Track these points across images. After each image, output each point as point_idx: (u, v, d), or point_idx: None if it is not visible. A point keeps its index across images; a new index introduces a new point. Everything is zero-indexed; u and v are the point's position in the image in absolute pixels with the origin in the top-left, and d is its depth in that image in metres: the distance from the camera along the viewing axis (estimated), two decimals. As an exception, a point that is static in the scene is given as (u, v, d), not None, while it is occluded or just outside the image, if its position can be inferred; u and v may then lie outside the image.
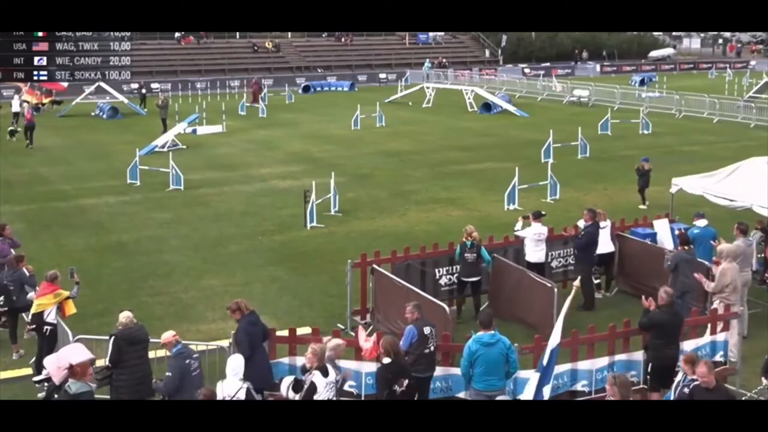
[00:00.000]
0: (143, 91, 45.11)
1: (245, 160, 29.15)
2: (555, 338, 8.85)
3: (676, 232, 14.42)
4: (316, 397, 8.99)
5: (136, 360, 10.06)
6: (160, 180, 24.40)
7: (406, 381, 9.27)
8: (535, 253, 14.45)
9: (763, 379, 9.97)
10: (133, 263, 17.25)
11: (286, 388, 9.32)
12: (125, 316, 10.43)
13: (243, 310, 10.40)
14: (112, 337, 10.18)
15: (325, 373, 9.17)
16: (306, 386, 9.09)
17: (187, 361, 9.62)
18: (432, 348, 10.22)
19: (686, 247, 13.32)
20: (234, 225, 20.21)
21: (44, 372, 10.17)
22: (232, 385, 9.09)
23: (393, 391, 9.18)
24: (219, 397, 9.04)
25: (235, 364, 9.26)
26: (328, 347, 9.57)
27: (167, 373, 9.55)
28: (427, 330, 10.17)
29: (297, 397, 9.09)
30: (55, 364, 9.87)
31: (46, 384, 9.98)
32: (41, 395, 10.19)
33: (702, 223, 14.76)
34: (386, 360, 9.32)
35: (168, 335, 9.80)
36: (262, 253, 17.99)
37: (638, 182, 21.64)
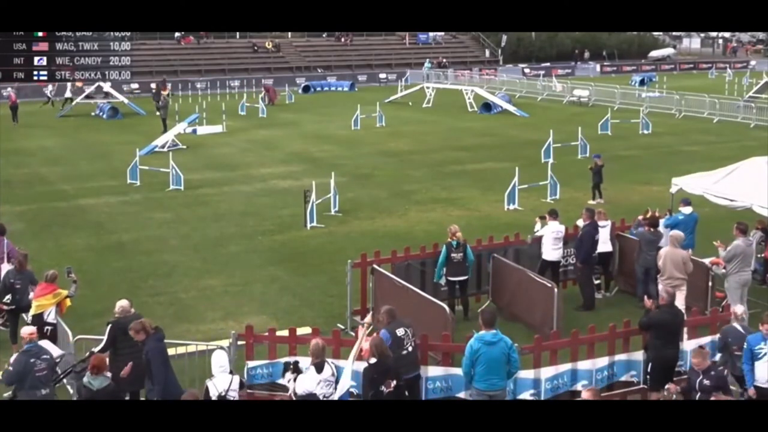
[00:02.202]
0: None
1: (245, 160, 29.15)
2: (344, 383, 8.84)
3: (648, 214, 15.16)
4: (309, 390, 9.09)
5: (129, 348, 10.12)
6: (160, 180, 24.39)
7: (394, 382, 9.24)
8: (553, 251, 14.49)
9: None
10: (133, 263, 17.24)
11: (288, 377, 9.45)
12: (120, 305, 10.63)
13: (148, 330, 10.01)
14: (109, 325, 10.39)
15: (320, 370, 9.22)
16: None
17: (32, 360, 9.59)
18: (410, 348, 10.05)
19: (652, 229, 14.22)
20: (234, 225, 20.21)
21: None
22: (223, 380, 9.21)
23: (380, 391, 9.15)
24: (214, 394, 9.09)
25: (220, 359, 9.39)
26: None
27: (9, 367, 9.65)
28: (400, 332, 10.03)
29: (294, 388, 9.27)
30: None
31: None
32: (7, 395, 10.19)
33: (687, 210, 15.33)
34: (372, 360, 9.32)
35: (24, 331, 9.93)
36: (262, 253, 17.99)
37: (592, 179, 22.25)
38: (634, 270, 14.45)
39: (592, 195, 22.16)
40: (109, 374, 9.27)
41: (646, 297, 11.67)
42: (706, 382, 9.28)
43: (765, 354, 9.65)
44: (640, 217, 15.35)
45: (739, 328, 10.24)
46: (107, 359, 9.50)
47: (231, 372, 9.47)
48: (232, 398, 9.21)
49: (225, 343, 11.36)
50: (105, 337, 10.39)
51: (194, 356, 11.25)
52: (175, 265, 17.12)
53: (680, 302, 12.33)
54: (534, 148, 28.87)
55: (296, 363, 9.63)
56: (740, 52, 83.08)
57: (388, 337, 9.99)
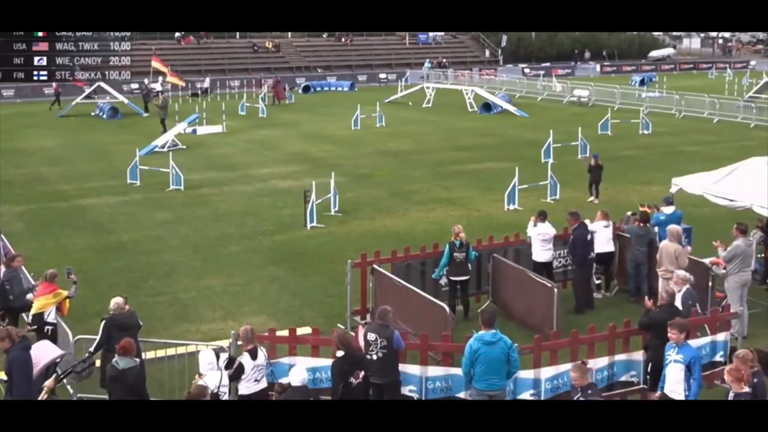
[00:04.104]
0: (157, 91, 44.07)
1: (245, 160, 29.16)
2: None
3: (640, 209, 15.49)
4: (243, 378, 9.50)
5: None
6: (160, 180, 24.39)
7: (362, 373, 9.55)
8: (540, 252, 14.48)
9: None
10: (133, 263, 17.25)
11: (222, 363, 9.64)
12: (115, 301, 10.72)
13: (13, 338, 9.53)
14: (103, 321, 10.48)
15: (254, 356, 9.57)
16: (235, 365, 9.53)
17: None
18: (379, 355, 9.82)
19: (641, 224, 14.49)
20: (234, 225, 20.21)
21: None
22: (214, 378, 9.39)
23: (349, 383, 9.44)
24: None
25: (208, 358, 9.61)
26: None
27: None
28: (371, 336, 9.90)
29: (228, 373, 9.51)
30: None
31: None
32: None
33: (669, 209, 15.60)
34: (339, 353, 9.57)
35: None
36: (262, 253, 17.99)
37: (589, 177, 22.36)
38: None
39: (589, 193, 22.20)
40: (137, 359, 9.43)
41: (646, 298, 11.68)
42: (581, 400, 8.90)
43: (671, 362, 9.66)
44: (629, 213, 15.49)
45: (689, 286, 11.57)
46: (134, 345, 9.60)
47: (219, 369, 9.62)
48: (224, 394, 9.43)
49: (225, 343, 11.36)
50: (99, 334, 10.46)
51: (194, 356, 11.24)
52: (175, 265, 17.13)
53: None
54: (534, 148, 28.86)
55: (232, 358, 9.78)
56: (734, 52, 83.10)
57: (362, 338, 10.11)
